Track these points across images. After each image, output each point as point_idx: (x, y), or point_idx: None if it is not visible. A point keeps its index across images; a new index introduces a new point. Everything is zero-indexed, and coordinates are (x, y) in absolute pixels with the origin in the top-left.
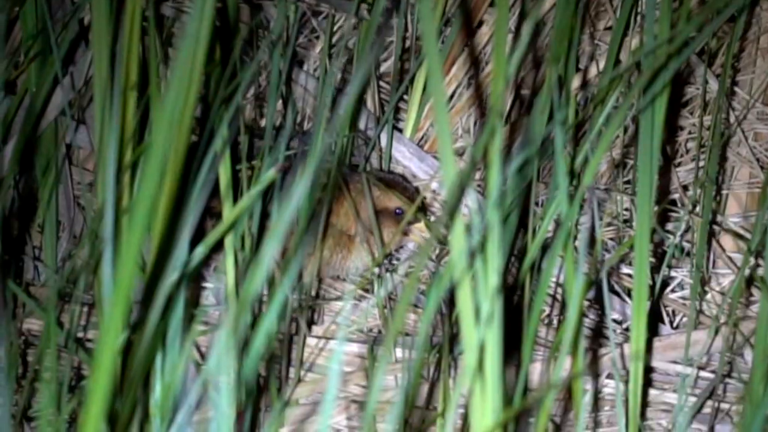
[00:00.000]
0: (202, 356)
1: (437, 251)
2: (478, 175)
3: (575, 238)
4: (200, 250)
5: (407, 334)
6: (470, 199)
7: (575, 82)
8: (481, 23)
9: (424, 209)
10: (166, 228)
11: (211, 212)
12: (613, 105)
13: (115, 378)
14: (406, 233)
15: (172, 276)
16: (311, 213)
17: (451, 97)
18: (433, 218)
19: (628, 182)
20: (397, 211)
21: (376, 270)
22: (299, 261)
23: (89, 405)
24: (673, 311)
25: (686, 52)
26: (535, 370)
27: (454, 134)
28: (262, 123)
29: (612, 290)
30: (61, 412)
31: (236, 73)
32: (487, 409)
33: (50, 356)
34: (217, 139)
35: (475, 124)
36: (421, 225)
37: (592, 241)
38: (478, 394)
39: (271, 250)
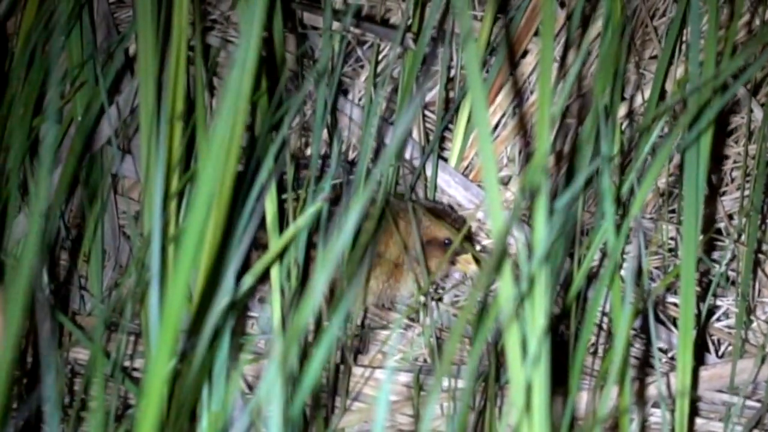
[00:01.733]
0: (249, 386)
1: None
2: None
3: (620, 267)
4: (248, 280)
5: (454, 364)
6: (517, 231)
7: (621, 111)
8: (526, 52)
9: (470, 239)
10: (214, 258)
11: (257, 243)
12: (659, 135)
13: (163, 408)
14: (453, 263)
15: (218, 307)
16: (359, 243)
17: (496, 126)
18: (478, 247)
19: (672, 211)
20: (446, 241)
21: (422, 299)
22: (350, 292)
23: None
24: (719, 340)
25: (733, 88)
26: (582, 399)
27: (498, 163)
28: (308, 152)
29: (657, 319)
30: None
31: (282, 102)
32: None
33: (97, 385)
34: (263, 169)
35: (519, 153)
36: (467, 256)
37: (638, 270)
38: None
39: (321, 281)
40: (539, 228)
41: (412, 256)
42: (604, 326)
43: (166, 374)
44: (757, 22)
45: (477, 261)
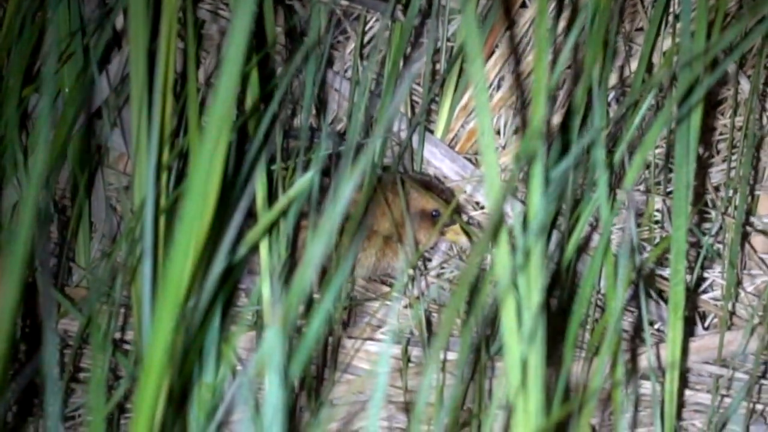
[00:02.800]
0: (237, 358)
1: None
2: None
3: (609, 239)
4: (241, 250)
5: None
6: (511, 205)
7: (609, 81)
8: (513, 23)
9: (458, 210)
10: (209, 229)
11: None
12: (648, 108)
13: (165, 379)
14: (442, 234)
15: (214, 275)
16: (351, 216)
17: None
18: (467, 219)
19: (658, 183)
20: (434, 213)
21: (411, 272)
22: (343, 266)
23: (138, 407)
24: (704, 312)
25: (723, 65)
26: (573, 372)
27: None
28: (296, 124)
29: (645, 292)
30: (101, 412)
31: (272, 75)
32: (530, 420)
33: (88, 356)
34: (254, 141)
35: (505, 124)
36: (456, 227)
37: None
38: (521, 406)
39: (315, 254)
40: (535, 198)
41: (403, 228)
42: (593, 299)
43: (166, 344)
44: None
45: (466, 232)
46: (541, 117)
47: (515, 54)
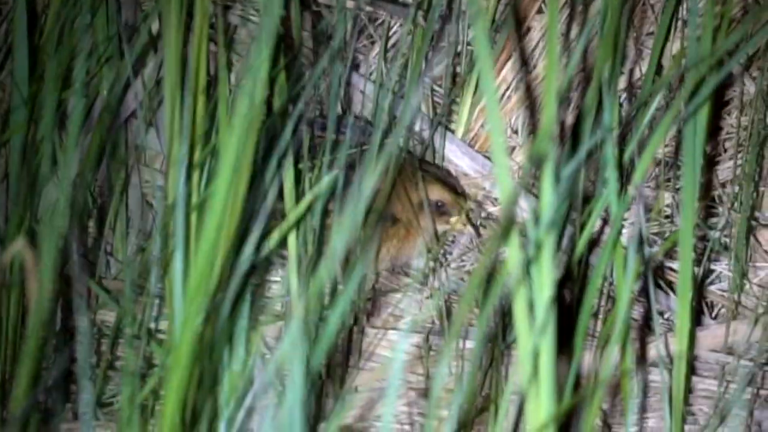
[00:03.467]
0: (268, 347)
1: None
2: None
3: (619, 233)
4: (267, 246)
5: (462, 325)
6: (524, 201)
7: (620, 84)
8: (529, 29)
9: (465, 200)
10: (236, 224)
11: (282, 213)
12: (656, 108)
13: (191, 367)
14: (446, 224)
15: (241, 269)
16: (374, 207)
17: (500, 99)
18: (484, 214)
19: (668, 180)
20: (438, 203)
21: (431, 264)
22: (365, 257)
23: (168, 394)
24: (713, 303)
25: (729, 65)
26: (584, 360)
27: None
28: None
29: (656, 283)
30: (135, 399)
31: (299, 78)
32: (542, 408)
33: (124, 346)
34: (281, 140)
35: (523, 124)
36: (461, 218)
37: (639, 236)
38: (533, 394)
39: (338, 245)
40: (546, 195)
41: (420, 217)
42: (605, 290)
43: (195, 334)
44: None
45: (471, 223)
46: (552, 117)
47: (531, 58)
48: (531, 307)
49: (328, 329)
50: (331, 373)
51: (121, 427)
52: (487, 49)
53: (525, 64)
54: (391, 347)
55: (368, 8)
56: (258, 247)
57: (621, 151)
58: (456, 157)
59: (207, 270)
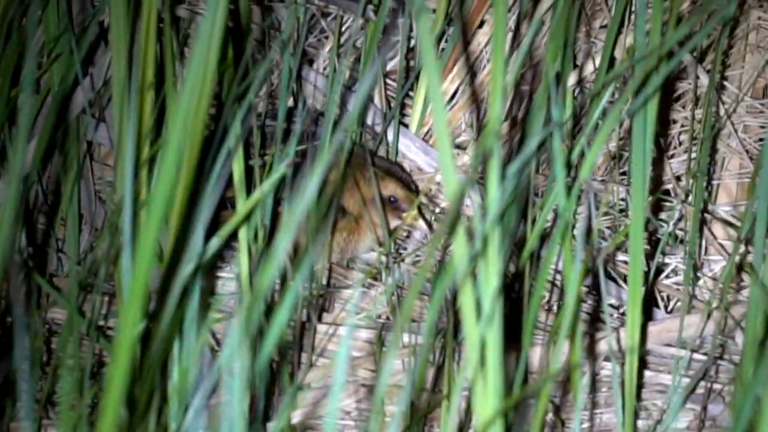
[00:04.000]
0: (219, 343)
1: (443, 242)
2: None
3: (573, 227)
4: (215, 242)
5: (414, 321)
6: (473, 194)
7: (572, 78)
8: (483, 23)
9: (416, 195)
10: (183, 220)
11: (231, 202)
12: (608, 101)
13: (135, 364)
14: (399, 219)
15: (187, 267)
16: (324, 197)
17: (454, 93)
18: (438, 209)
19: (624, 173)
20: (391, 198)
21: (384, 259)
22: (313, 253)
23: (109, 389)
24: (668, 296)
25: (678, 56)
26: (536, 354)
27: (457, 129)
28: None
29: (610, 277)
30: (83, 397)
31: (249, 72)
32: (489, 400)
33: (72, 344)
34: (230, 133)
35: (477, 119)
36: (413, 213)
37: (590, 230)
38: (480, 386)
39: (284, 242)
40: (492, 188)
41: (371, 209)
42: (558, 283)
43: (137, 332)
44: None
45: (424, 218)
46: (497, 114)
47: (484, 53)
48: (479, 301)
49: (275, 324)
50: (283, 370)
51: (63, 424)
52: (430, 43)
53: (478, 58)
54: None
55: (318, 2)
56: (206, 242)
57: (572, 146)
58: (410, 151)
59: (148, 266)
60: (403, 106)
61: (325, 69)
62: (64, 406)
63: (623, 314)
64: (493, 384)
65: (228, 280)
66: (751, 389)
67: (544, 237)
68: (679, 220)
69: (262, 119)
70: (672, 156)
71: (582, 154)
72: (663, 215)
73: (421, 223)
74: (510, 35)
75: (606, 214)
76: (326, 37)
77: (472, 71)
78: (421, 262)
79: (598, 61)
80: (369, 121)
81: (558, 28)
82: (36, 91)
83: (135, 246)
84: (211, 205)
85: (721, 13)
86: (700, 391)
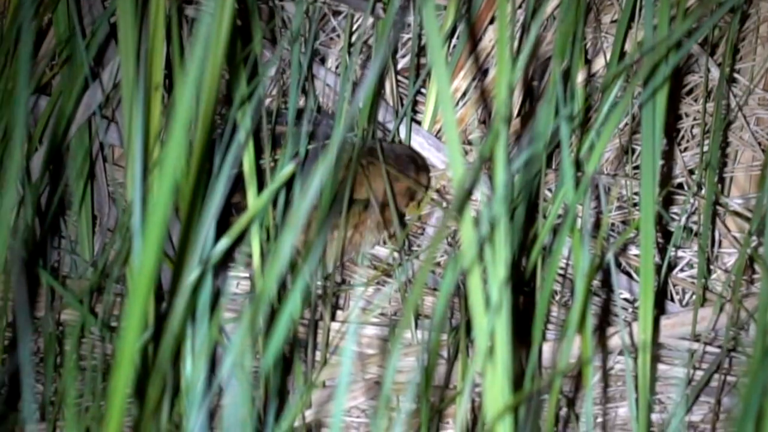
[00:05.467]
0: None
1: (453, 236)
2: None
3: (575, 219)
4: (224, 242)
5: (427, 317)
6: (482, 186)
7: (582, 74)
8: (493, 19)
9: (426, 187)
10: (192, 219)
11: (237, 207)
12: (617, 95)
13: (147, 364)
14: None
15: (196, 267)
16: (333, 199)
17: (466, 90)
18: (449, 205)
19: (637, 167)
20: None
21: (396, 256)
22: (320, 250)
23: (115, 385)
24: (683, 290)
25: (686, 47)
26: (549, 349)
27: (469, 125)
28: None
29: (624, 271)
30: (95, 397)
31: (258, 72)
32: (498, 392)
33: (85, 345)
34: (240, 130)
35: (490, 115)
36: (415, 203)
37: (596, 223)
38: (489, 377)
39: (289, 239)
40: (499, 174)
41: (377, 206)
42: (571, 278)
43: (140, 330)
44: None
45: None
46: (504, 102)
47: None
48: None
49: (281, 322)
50: (296, 369)
51: (71, 425)
52: (437, 37)
53: (490, 54)
54: (359, 341)
55: (328, 0)
56: (216, 242)
57: (582, 140)
58: (422, 148)
59: (153, 267)
60: (416, 103)
61: (337, 68)
62: (72, 406)
63: (637, 308)
64: (503, 375)
65: (241, 280)
66: (758, 379)
67: (556, 232)
68: (693, 213)
69: (273, 118)
70: (685, 149)
71: (592, 148)
72: (676, 209)
73: (434, 214)
74: (519, 32)
75: (620, 208)
76: (338, 36)
77: (483, 68)
78: (437, 259)
79: (608, 57)
80: (381, 119)
81: (567, 24)
82: (47, 93)
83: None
84: (219, 203)
85: (727, 3)
86: (714, 383)
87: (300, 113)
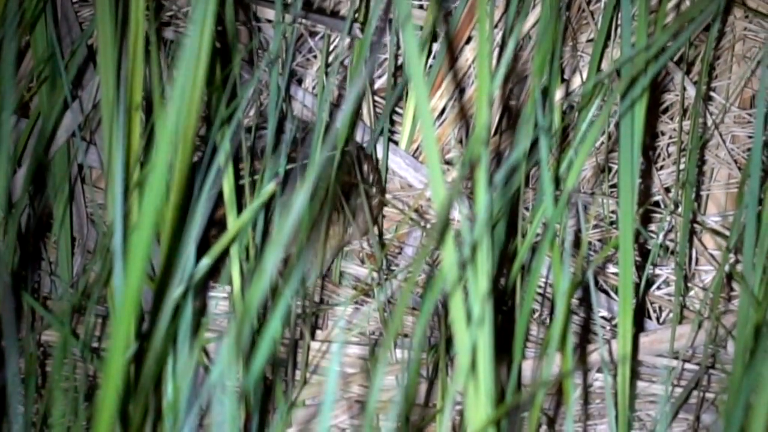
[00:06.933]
0: (213, 363)
1: (433, 256)
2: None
3: (563, 240)
4: (205, 262)
5: (406, 336)
6: (461, 206)
7: (559, 93)
8: (470, 39)
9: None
10: (173, 240)
11: (220, 222)
12: (596, 111)
13: (129, 384)
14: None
15: (177, 288)
16: (312, 221)
17: (443, 109)
18: (428, 225)
19: (614, 186)
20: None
21: (376, 276)
22: (301, 269)
23: (102, 406)
24: (660, 307)
25: (662, 60)
26: (529, 367)
27: (447, 145)
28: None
29: (602, 289)
30: (78, 418)
31: (237, 92)
32: (480, 407)
33: (66, 366)
34: (220, 152)
35: (467, 134)
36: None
37: (576, 241)
38: (471, 393)
39: (272, 259)
40: (480, 194)
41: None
42: (550, 296)
43: (127, 351)
44: (687, 3)
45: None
46: (484, 123)
47: (474, 68)
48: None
49: (264, 342)
50: (276, 388)
51: None
52: (416, 55)
53: (467, 74)
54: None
55: (305, 21)
56: (197, 261)
57: (561, 159)
58: (400, 168)
59: (137, 288)
60: (393, 123)
61: (314, 88)
62: (57, 427)
63: (616, 326)
64: (485, 390)
65: (221, 300)
66: (741, 396)
67: (535, 250)
68: (670, 231)
69: (251, 136)
70: (661, 168)
71: (570, 166)
72: (653, 226)
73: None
74: (497, 50)
75: (597, 226)
76: (315, 57)
77: (460, 87)
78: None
79: (585, 75)
80: (358, 139)
81: (544, 42)
82: (26, 116)
83: (126, 267)
84: (201, 224)
85: (701, 18)
86: (692, 400)
87: (278, 131)
